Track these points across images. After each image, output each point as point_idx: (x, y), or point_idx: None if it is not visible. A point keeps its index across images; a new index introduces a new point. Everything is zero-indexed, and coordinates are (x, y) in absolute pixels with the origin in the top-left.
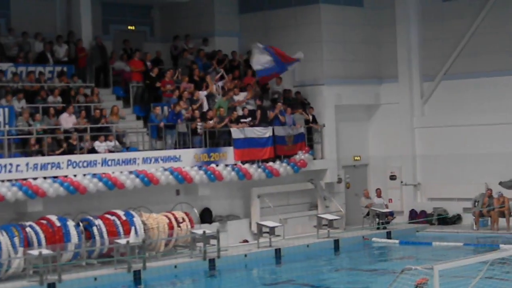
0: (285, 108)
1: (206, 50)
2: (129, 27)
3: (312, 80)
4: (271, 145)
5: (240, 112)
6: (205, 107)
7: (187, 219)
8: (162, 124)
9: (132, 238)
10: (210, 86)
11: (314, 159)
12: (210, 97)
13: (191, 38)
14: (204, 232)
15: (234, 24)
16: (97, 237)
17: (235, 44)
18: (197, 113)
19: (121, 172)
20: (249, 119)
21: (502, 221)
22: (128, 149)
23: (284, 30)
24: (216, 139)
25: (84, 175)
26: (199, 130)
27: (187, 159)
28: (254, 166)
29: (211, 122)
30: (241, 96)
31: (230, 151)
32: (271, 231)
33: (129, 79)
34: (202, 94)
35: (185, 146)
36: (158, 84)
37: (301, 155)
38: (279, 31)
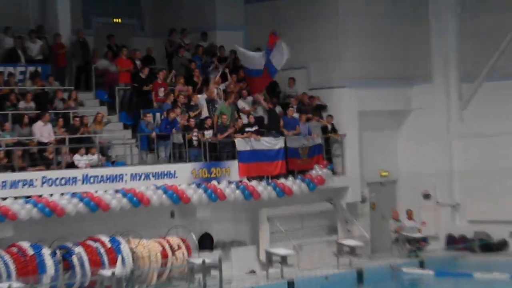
0: (299, 114)
1: (205, 46)
2: (114, 20)
3: (330, 81)
4: (282, 158)
5: (245, 120)
6: (205, 114)
7: (183, 246)
8: (153, 134)
9: (118, 269)
10: (211, 89)
11: (334, 174)
12: (211, 102)
13: (188, 32)
14: (203, 261)
15: (238, 16)
16: (77, 268)
17: (239, 39)
18: (194, 121)
19: (106, 190)
20: (257, 127)
21: None
22: (113, 163)
23: (297, 23)
24: (218, 152)
25: (62, 194)
26: (196, 141)
27: (184, 175)
28: (263, 183)
29: (211, 131)
30: (248, 101)
31: (234, 166)
32: (283, 260)
33: (114, 81)
34: (202, 98)
35: (181, 160)
36: (149, 87)
37: (318, 170)
38: (291, 24)
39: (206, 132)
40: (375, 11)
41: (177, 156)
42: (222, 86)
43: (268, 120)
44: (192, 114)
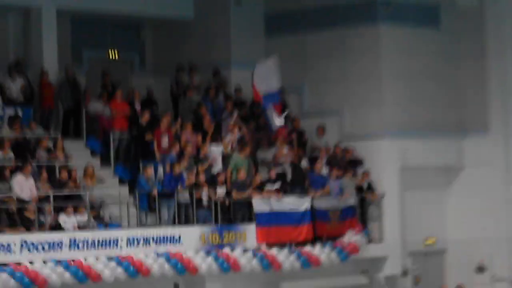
0: (329, 169)
1: (215, 84)
2: (110, 55)
3: (367, 131)
4: (308, 222)
5: (265, 176)
6: (218, 168)
7: None
8: (155, 192)
9: None
10: (226, 140)
11: (370, 242)
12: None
13: (197, 70)
14: None
15: (257, 51)
16: None
17: None
18: (204, 176)
19: (97, 258)
20: (278, 184)
21: None
22: (107, 226)
23: (328, 61)
24: (232, 213)
25: (45, 262)
26: (206, 201)
27: (190, 240)
28: (285, 251)
29: (224, 189)
30: (269, 154)
31: (250, 230)
32: None
33: (109, 128)
34: (215, 149)
35: (187, 222)
36: (149, 136)
37: (351, 237)
38: (320, 61)
39: (218, 190)
40: (422, 47)
41: (183, 218)
42: (235, 135)
43: (292, 176)
44: (201, 168)
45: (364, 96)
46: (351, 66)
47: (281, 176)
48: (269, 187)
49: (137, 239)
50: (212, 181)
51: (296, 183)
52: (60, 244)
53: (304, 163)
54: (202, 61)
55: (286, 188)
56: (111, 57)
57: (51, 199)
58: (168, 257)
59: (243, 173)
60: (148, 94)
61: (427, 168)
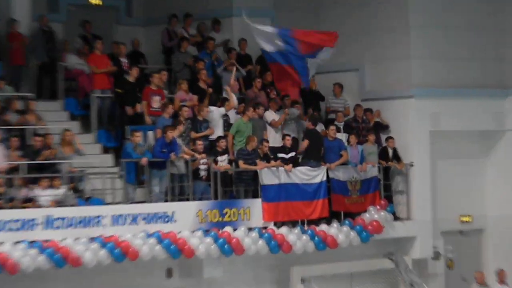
0: (348, 135)
1: (218, 42)
2: (92, 1)
3: (392, 90)
4: (324, 196)
5: (274, 142)
6: (218, 133)
7: None
8: (144, 161)
9: None
10: (231, 100)
11: (396, 219)
12: (225, 116)
13: (194, 19)
14: None
15: None
16: None
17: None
18: (203, 143)
19: (77, 239)
20: (293, 154)
21: None
22: (88, 200)
23: (344, 9)
24: (234, 186)
25: (16, 243)
26: (205, 172)
27: (186, 218)
28: (296, 230)
29: (226, 158)
30: (276, 116)
31: (256, 206)
32: None
33: (90, 86)
34: (215, 112)
35: (182, 197)
36: (137, 95)
37: (373, 214)
38: (335, 9)
39: (220, 159)
40: None
41: (177, 191)
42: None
43: (310, 144)
44: (198, 134)
45: (389, 49)
46: (371, 15)
47: (293, 144)
48: (281, 156)
49: (123, 217)
50: (212, 149)
51: (312, 153)
52: (33, 223)
53: (320, 127)
54: (199, 9)
55: (297, 156)
56: (93, 4)
57: (23, 170)
58: (160, 238)
59: (254, 140)
60: (134, 46)
61: (462, 133)
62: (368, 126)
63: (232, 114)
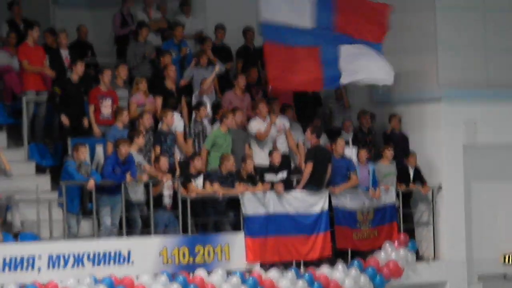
0: (358, 149)
1: (189, 28)
2: None
3: (413, 90)
4: (325, 229)
5: (261, 159)
6: (183, 150)
7: None
8: (91, 184)
9: None
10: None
11: (419, 260)
12: (199, 125)
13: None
14: None
15: None
16: None
17: (252, 12)
18: (167, 160)
19: (2, 286)
20: (283, 174)
21: None
22: (17, 237)
23: None
24: (208, 216)
25: None
26: (169, 198)
27: (145, 259)
28: (290, 274)
29: (200, 180)
30: (268, 125)
31: (237, 242)
32: None
33: (20, 87)
34: (180, 120)
35: (142, 231)
36: (82, 98)
37: (390, 252)
38: None
39: (195, 182)
40: None
41: (135, 224)
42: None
43: (315, 166)
44: (157, 149)
45: (410, 39)
46: None
47: (284, 161)
48: (269, 178)
49: (64, 257)
50: (182, 168)
51: (316, 175)
52: None
53: (323, 140)
54: None
55: (292, 177)
56: None
57: None
58: (112, 285)
59: (229, 159)
60: (79, 35)
61: (505, 148)
62: (381, 137)
63: (207, 123)
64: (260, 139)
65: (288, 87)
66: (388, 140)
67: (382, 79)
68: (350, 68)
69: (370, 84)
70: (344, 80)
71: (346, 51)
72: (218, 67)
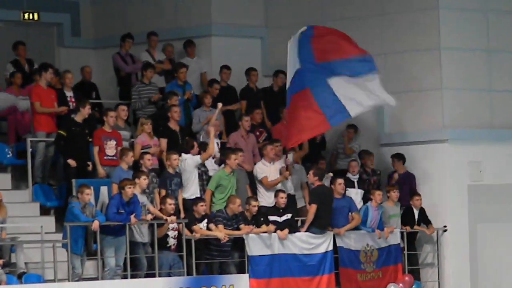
0: (363, 191)
1: (194, 68)
2: (25, 15)
3: (419, 132)
4: (330, 270)
5: (266, 200)
6: (193, 191)
7: None
8: (96, 225)
9: None
10: (210, 146)
11: None
12: (202, 167)
13: (159, 39)
14: None
15: (253, 13)
16: None
17: (254, 51)
18: (174, 203)
19: None
20: (288, 216)
21: None
22: (21, 278)
23: (358, 28)
24: (213, 258)
25: None
26: (174, 240)
27: None
28: None
29: (204, 222)
30: (272, 168)
31: (242, 283)
32: None
33: (26, 128)
34: (189, 161)
35: (145, 272)
36: (87, 139)
37: None
38: (343, 25)
39: (199, 225)
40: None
41: (139, 265)
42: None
43: (319, 208)
44: (163, 192)
45: (413, 78)
46: (391, 36)
47: (290, 202)
48: (273, 219)
49: None
50: (187, 210)
51: (320, 216)
52: None
53: (327, 181)
54: (166, 25)
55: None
56: (27, 19)
57: None
58: None
59: (236, 202)
60: (83, 75)
61: (511, 188)
62: (378, 179)
63: (210, 164)
64: (267, 187)
65: (302, 140)
66: (393, 182)
67: (385, 99)
68: (351, 99)
69: (377, 105)
70: (352, 113)
71: (336, 84)
72: (221, 105)
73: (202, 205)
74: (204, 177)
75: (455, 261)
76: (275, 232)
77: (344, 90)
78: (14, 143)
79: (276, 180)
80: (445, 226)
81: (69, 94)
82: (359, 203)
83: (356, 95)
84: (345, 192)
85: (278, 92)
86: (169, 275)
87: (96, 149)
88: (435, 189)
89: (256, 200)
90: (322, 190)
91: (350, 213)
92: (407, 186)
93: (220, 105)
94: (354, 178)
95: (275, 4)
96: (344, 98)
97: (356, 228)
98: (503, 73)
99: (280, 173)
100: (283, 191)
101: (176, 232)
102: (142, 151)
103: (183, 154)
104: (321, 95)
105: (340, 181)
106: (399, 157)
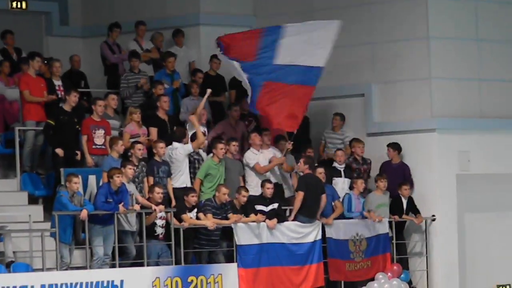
0: (351, 181)
1: (180, 54)
2: (13, 4)
3: (407, 121)
4: (318, 260)
5: (255, 190)
6: (183, 180)
7: None
8: (84, 215)
9: None
10: (198, 135)
11: None
12: (194, 155)
13: (148, 28)
14: None
15: (241, 1)
16: None
17: None
18: (162, 191)
19: None
20: (274, 206)
21: None
22: (9, 266)
23: (344, 14)
24: (201, 247)
25: None
26: (160, 230)
27: None
28: None
29: (193, 211)
30: (262, 156)
31: (230, 273)
32: None
33: (14, 117)
34: (180, 150)
35: (133, 261)
36: (76, 128)
37: (383, 283)
38: (331, 15)
39: (189, 214)
40: None
41: (128, 254)
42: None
43: (307, 196)
44: (150, 180)
45: (402, 68)
46: (375, 24)
47: (277, 190)
48: (260, 209)
49: (56, 287)
50: (178, 202)
51: (308, 205)
52: None
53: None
54: (154, 14)
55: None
56: (16, 8)
57: None
58: None
59: (224, 190)
60: (72, 64)
61: (499, 178)
62: (368, 168)
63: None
64: (260, 173)
65: (299, 118)
66: (384, 170)
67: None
68: (307, 56)
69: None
70: (321, 63)
71: (283, 58)
72: (210, 91)
73: (193, 196)
74: (196, 165)
75: (444, 250)
76: (264, 221)
77: (294, 56)
78: (2, 132)
79: (271, 165)
80: (433, 216)
81: (57, 83)
82: (346, 191)
83: (307, 51)
84: (330, 181)
85: None
86: (157, 264)
87: (84, 138)
88: (424, 178)
89: (247, 190)
90: (310, 178)
91: (333, 202)
92: (401, 176)
93: (209, 91)
94: (341, 167)
95: None
96: (302, 60)
97: (347, 217)
98: (492, 63)
99: (269, 162)
100: (269, 181)
101: (164, 221)
102: (132, 140)
103: (173, 143)
104: (282, 75)
105: (320, 170)
106: (395, 147)
